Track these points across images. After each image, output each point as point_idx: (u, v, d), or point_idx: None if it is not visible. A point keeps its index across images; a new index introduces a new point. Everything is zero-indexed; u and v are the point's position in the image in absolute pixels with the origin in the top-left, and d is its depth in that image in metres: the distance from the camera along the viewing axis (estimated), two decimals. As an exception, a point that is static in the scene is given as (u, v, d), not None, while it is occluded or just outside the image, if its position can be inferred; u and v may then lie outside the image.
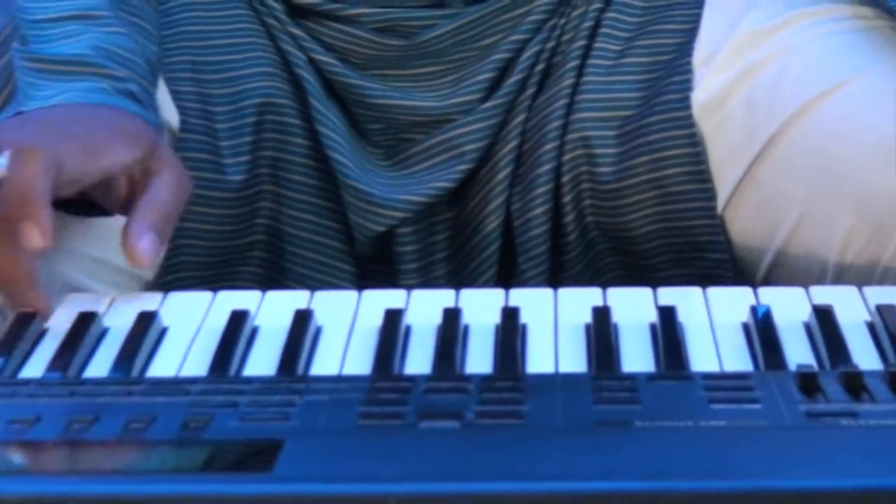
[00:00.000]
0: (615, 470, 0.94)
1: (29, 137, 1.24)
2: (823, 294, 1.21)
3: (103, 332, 1.21)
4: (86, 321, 1.21)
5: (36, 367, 1.16)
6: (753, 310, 1.20)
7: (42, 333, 1.22)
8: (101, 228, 1.32)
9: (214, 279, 1.40)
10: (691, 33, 1.53)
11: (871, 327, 1.17)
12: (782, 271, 1.39)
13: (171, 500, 0.92)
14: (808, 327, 1.18)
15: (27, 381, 1.13)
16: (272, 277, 1.50)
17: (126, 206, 1.28)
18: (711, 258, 1.45)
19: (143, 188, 1.28)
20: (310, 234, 1.57)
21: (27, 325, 1.21)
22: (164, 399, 1.06)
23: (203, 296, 1.26)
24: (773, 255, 1.39)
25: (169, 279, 1.41)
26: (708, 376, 1.08)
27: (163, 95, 1.48)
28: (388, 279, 1.55)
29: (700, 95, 1.49)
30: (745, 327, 1.18)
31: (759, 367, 1.12)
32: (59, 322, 1.23)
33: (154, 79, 1.46)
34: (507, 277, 1.54)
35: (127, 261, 1.23)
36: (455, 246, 1.59)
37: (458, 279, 1.55)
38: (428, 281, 1.54)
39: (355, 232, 1.56)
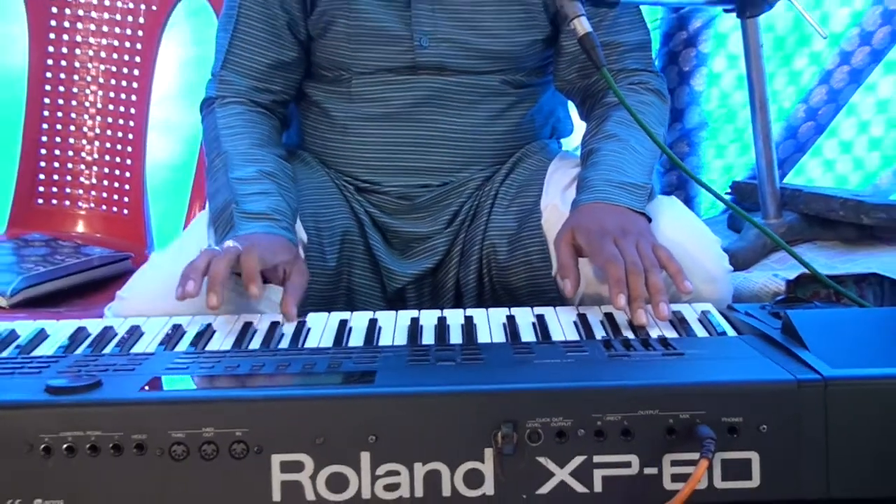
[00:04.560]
0: (523, 380, 0.96)
1: (246, 245, 1.24)
2: (610, 308, 1.21)
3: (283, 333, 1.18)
4: (273, 326, 1.18)
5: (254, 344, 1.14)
6: (581, 316, 1.20)
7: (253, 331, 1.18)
8: (270, 289, 1.27)
9: (323, 310, 1.27)
10: (538, 197, 1.45)
11: (631, 324, 1.17)
12: (588, 300, 1.30)
13: (329, 397, 0.92)
14: (603, 323, 1.18)
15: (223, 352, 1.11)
16: (350, 309, 1.39)
17: (282, 281, 1.26)
18: (552, 296, 1.37)
19: (289, 276, 1.26)
20: (366, 290, 1.50)
21: (248, 328, 1.19)
22: (320, 356, 1.05)
23: (323, 315, 1.23)
24: (581, 294, 1.30)
25: (304, 310, 1.36)
26: (563, 343, 1.10)
27: (299, 227, 1.41)
28: (403, 308, 1.46)
29: (545, 223, 1.42)
30: (575, 323, 1.18)
31: (583, 338, 1.13)
32: (263, 325, 1.19)
33: (294, 219, 1.39)
34: (457, 307, 1.46)
35: (283, 318, 1.21)
36: (433, 293, 1.53)
37: (436, 307, 1.46)
38: (422, 308, 1.43)
39: (388, 287, 1.50)
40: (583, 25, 1.28)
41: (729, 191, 1.93)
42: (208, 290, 1.19)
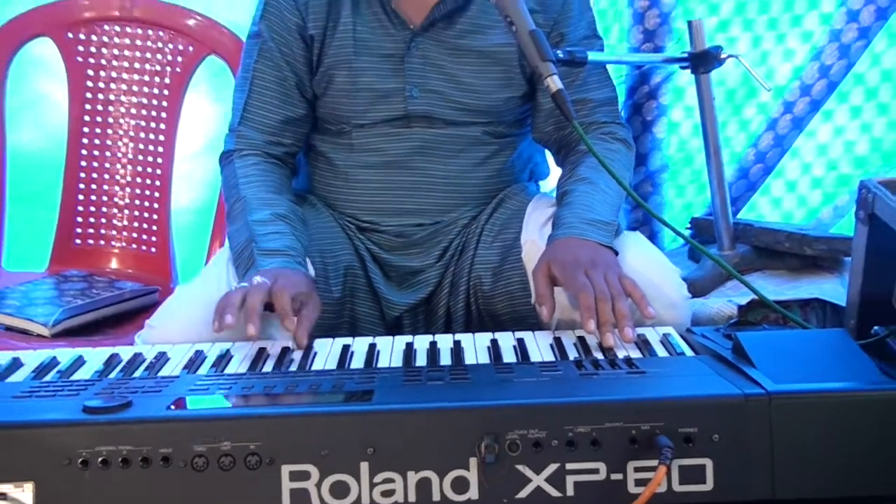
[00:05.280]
0: (503, 397, 0.97)
1: (274, 280, 1.25)
2: (581, 332, 1.20)
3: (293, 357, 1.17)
4: (284, 351, 1.19)
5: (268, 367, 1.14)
6: (556, 339, 1.20)
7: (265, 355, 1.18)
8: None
9: (329, 335, 1.27)
10: (518, 233, 1.45)
11: (600, 346, 1.17)
12: (563, 325, 1.30)
13: (333, 414, 0.93)
14: (576, 345, 1.19)
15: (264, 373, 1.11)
16: (352, 335, 1.37)
17: (297, 311, 1.24)
18: (532, 322, 1.34)
19: (305, 306, 1.25)
20: (367, 318, 1.50)
21: (262, 353, 1.18)
22: (324, 377, 1.06)
23: (328, 340, 1.23)
24: (556, 320, 1.30)
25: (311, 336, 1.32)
26: (540, 363, 1.11)
27: (308, 263, 1.39)
28: (400, 334, 1.41)
29: (525, 256, 1.42)
30: (552, 345, 1.19)
31: (558, 359, 1.14)
32: (275, 351, 1.19)
33: (305, 255, 1.38)
34: (448, 332, 1.43)
35: (295, 344, 1.21)
36: (426, 320, 1.53)
37: (429, 332, 1.41)
38: (416, 333, 1.39)
39: (386, 316, 1.50)
40: (555, 83, 1.29)
41: (689, 226, 1.93)
42: (247, 321, 1.19)
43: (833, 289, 1.62)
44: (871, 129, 1.94)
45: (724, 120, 1.92)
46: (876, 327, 1.17)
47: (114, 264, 1.96)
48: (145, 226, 1.97)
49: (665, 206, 2.00)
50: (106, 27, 1.91)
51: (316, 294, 1.31)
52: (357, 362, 1.16)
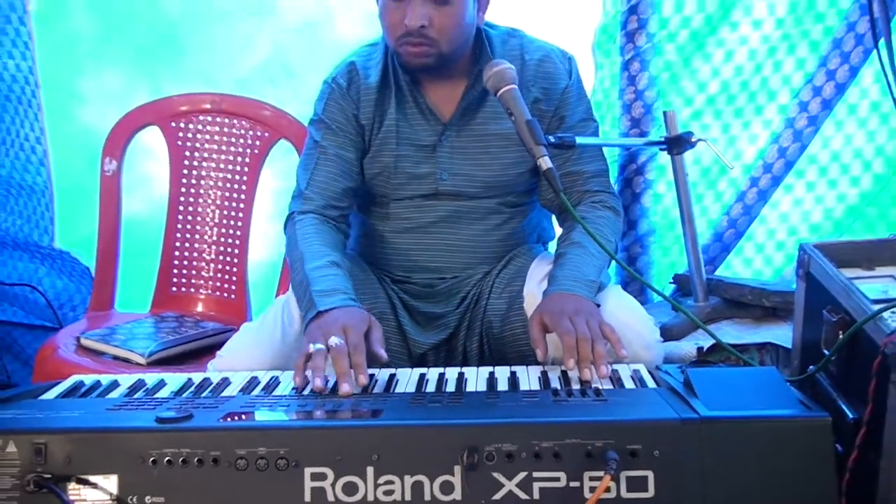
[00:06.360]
0: (484, 416, 1.00)
1: (337, 324, 1.24)
2: (564, 369, 1.22)
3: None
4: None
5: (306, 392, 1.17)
6: (543, 372, 1.22)
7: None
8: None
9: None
10: (521, 287, 1.46)
11: (580, 379, 1.19)
12: (558, 363, 1.27)
13: (346, 427, 0.97)
14: (559, 379, 1.20)
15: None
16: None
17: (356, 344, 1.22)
18: (532, 359, 1.32)
19: (371, 331, 1.25)
20: (396, 355, 1.48)
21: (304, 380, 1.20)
22: (348, 399, 1.10)
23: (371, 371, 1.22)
24: (552, 358, 1.29)
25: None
26: (524, 391, 1.14)
27: None
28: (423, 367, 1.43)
29: (526, 305, 1.44)
30: (539, 378, 1.20)
31: (542, 389, 1.16)
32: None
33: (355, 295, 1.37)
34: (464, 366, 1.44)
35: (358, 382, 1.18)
36: (447, 357, 1.53)
37: (448, 366, 1.42)
38: (437, 367, 1.38)
39: (412, 353, 1.50)
40: (545, 163, 1.32)
41: (671, 281, 1.94)
42: (340, 382, 1.18)
43: (786, 334, 1.62)
44: (824, 200, 1.95)
45: (700, 192, 1.94)
46: (811, 366, 1.20)
47: (200, 308, 2.02)
48: (226, 277, 2.03)
49: (653, 264, 2.01)
50: (200, 118, 2.00)
51: (375, 320, 1.30)
52: (378, 388, 1.20)
